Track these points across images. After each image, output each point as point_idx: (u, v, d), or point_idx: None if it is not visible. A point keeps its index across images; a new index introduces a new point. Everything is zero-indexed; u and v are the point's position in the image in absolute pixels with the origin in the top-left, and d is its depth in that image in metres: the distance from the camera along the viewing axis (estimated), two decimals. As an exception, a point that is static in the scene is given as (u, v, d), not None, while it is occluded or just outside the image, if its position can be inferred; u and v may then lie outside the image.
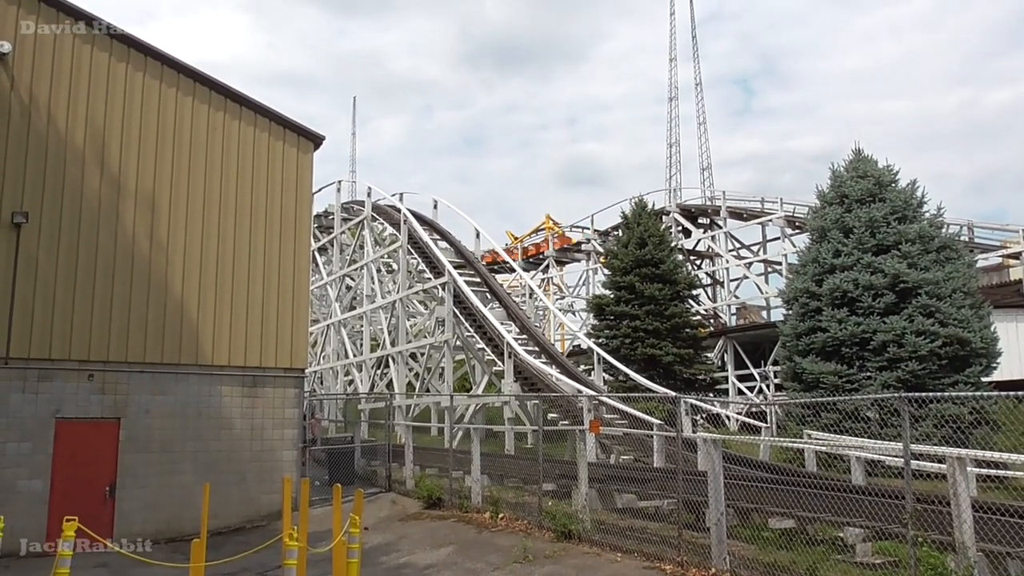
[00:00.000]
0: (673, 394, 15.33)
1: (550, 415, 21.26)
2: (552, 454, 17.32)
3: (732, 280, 46.00)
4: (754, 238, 46.76)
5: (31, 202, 13.40)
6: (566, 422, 20.63)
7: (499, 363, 25.19)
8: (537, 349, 26.42)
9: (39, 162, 13.60)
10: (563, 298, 53.89)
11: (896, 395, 7.92)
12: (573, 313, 52.21)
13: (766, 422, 21.62)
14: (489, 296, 29.64)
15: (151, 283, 14.37)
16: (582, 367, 28.76)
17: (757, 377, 35.81)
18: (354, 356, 34.99)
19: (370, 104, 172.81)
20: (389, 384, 33.63)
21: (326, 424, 28.37)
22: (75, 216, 13.80)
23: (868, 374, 19.22)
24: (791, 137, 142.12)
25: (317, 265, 39.11)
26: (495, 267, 43.68)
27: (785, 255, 40.14)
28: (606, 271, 34.13)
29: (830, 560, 9.07)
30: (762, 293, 43.57)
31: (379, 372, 34.78)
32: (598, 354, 26.79)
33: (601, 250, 48.30)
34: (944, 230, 21.42)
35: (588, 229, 52.13)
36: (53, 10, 14.09)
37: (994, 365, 19.59)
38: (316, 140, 16.88)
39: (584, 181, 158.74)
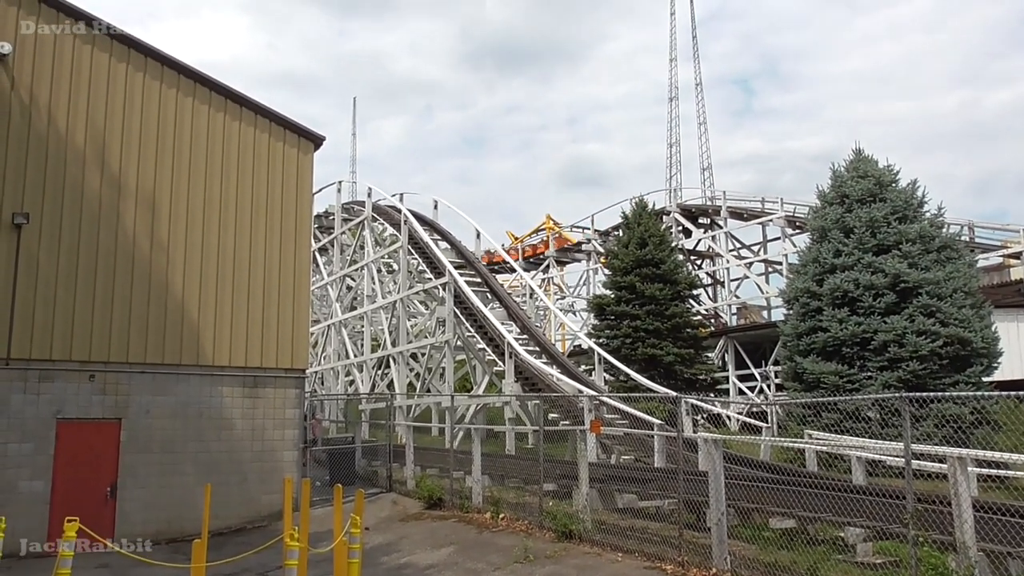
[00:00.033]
0: (674, 394, 15.35)
1: (551, 415, 21.26)
2: (553, 454, 17.32)
3: (732, 280, 45.97)
4: (754, 238, 46.84)
5: (32, 203, 13.41)
6: (567, 422, 20.63)
7: (500, 363, 25.19)
8: (538, 349, 26.41)
9: (40, 163, 13.61)
10: (563, 298, 53.89)
11: (897, 395, 7.92)
12: (574, 313, 52.19)
13: (767, 422, 21.60)
14: (490, 296, 29.64)
15: (152, 284, 14.38)
16: (583, 367, 28.73)
17: (758, 377, 35.78)
18: (355, 356, 35.00)
19: (371, 105, 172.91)
20: (390, 384, 33.64)
21: (327, 424, 28.36)
22: (76, 217, 13.81)
23: (869, 374, 19.21)
24: (791, 137, 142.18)
25: (318, 265, 39.13)
26: (495, 267, 43.75)
27: (786, 255, 40.14)
28: (606, 271, 34.15)
29: (831, 560, 9.07)
30: (763, 293, 43.55)
31: (380, 372, 34.82)
32: (599, 354, 26.77)
33: (601, 250, 48.29)
34: (945, 230, 21.40)
35: (588, 229, 52.15)
36: (53, 10, 14.09)
37: (995, 365, 19.60)
38: (316, 141, 16.89)
39: (585, 182, 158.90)
